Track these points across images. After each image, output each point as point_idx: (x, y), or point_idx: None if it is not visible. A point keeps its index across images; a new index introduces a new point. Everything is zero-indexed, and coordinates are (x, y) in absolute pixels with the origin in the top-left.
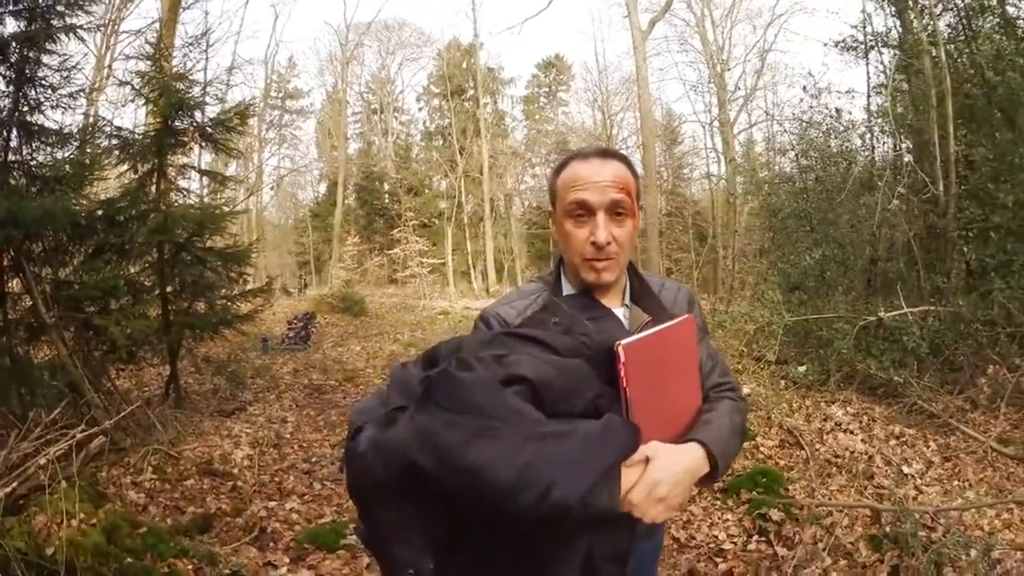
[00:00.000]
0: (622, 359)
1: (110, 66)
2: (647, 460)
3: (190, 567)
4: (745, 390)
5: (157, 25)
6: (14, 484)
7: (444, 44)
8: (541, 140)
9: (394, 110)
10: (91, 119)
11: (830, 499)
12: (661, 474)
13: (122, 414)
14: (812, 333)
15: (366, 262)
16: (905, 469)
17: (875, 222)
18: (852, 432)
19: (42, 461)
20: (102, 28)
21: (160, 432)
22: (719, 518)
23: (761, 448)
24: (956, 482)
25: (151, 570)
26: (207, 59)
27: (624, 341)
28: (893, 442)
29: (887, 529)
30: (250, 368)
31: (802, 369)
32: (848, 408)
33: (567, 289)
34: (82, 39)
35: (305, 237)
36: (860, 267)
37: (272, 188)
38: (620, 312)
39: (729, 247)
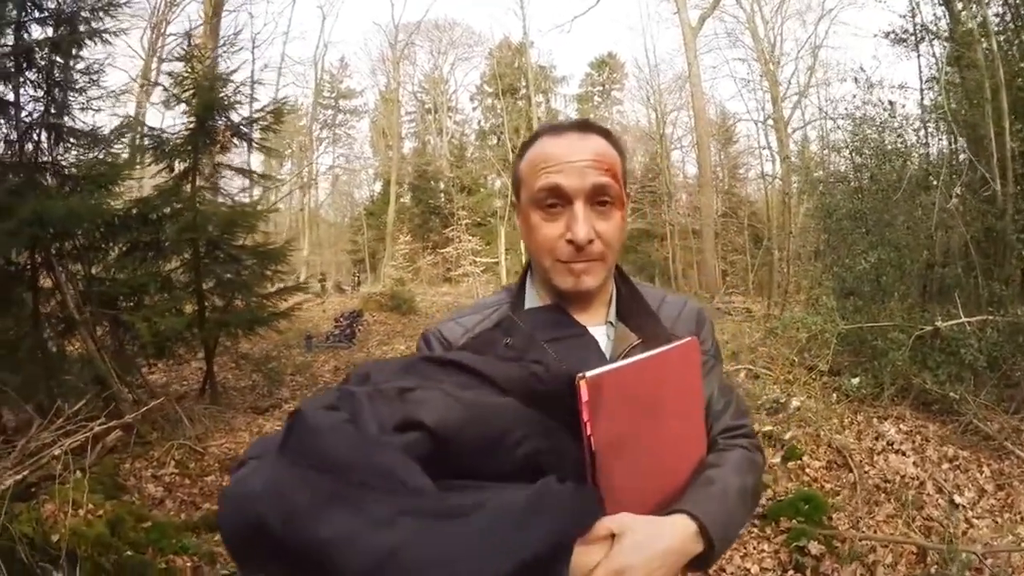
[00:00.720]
0: (584, 397)
1: (158, 68)
2: (613, 537)
3: (188, 564)
4: (794, 403)
5: (200, 28)
6: (25, 472)
7: (495, 43)
8: None
9: (448, 109)
10: (124, 119)
11: (875, 532)
12: (631, 558)
13: (144, 408)
14: (867, 342)
15: (419, 260)
16: (956, 498)
17: (932, 223)
18: (904, 454)
19: (57, 451)
20: (126, 32)
21: (187, 427)
22: (754, 548)
23: (807, 469)
24: (1007, 515)
25: (148, 564)
26: (254, 60)
27: (590, 372)
28: (946, 466)
29: (932, 570)
30: (290, 365)
31: (855, 381)
32: (901, 425)
33: (533, 301)
34: (109, 42)
35: (360, 235)
36: (916, 272)
37: (314, 186)
38: (601, 332)
39: (784, 249)
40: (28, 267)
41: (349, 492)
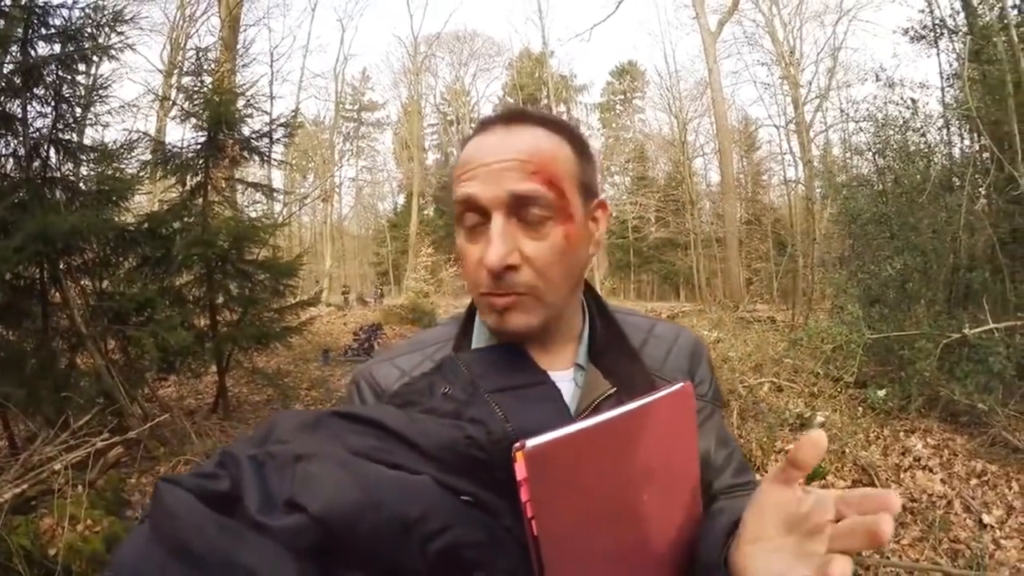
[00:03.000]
0: (521, 474)
1: (178, 83)
2: None
3: None
4: (819, 418)
5: (216, 42)
6: (24, 485)
7: (515, 54)
8: (619, 148)
9: (470, 121)
10: (132, 134)
11: (901, 557)
12: None
13: (150, 423)
14: (893, 352)
15: (441, 272)
16: (985, 518)
17: (957, 226)
18: (931, 470)
19: (57, 466)
20: (133, 47)
21: (194, 442)
22: None
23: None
24: None
25: None
26: (272, 74)
27: (532, 441)
28: (974, 481)
29: None
30: (306, 379)
31: (882, 393)
32: (928, 439)
33: (483, 337)
34: (117, 58)
35: (384, 248)
36: (943, 277)
37: (336, 198)
38: (567, 377)
39: (808, 256)
40: (38, 282)
41: None
